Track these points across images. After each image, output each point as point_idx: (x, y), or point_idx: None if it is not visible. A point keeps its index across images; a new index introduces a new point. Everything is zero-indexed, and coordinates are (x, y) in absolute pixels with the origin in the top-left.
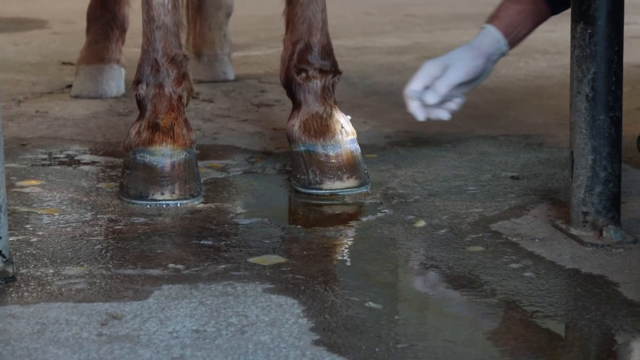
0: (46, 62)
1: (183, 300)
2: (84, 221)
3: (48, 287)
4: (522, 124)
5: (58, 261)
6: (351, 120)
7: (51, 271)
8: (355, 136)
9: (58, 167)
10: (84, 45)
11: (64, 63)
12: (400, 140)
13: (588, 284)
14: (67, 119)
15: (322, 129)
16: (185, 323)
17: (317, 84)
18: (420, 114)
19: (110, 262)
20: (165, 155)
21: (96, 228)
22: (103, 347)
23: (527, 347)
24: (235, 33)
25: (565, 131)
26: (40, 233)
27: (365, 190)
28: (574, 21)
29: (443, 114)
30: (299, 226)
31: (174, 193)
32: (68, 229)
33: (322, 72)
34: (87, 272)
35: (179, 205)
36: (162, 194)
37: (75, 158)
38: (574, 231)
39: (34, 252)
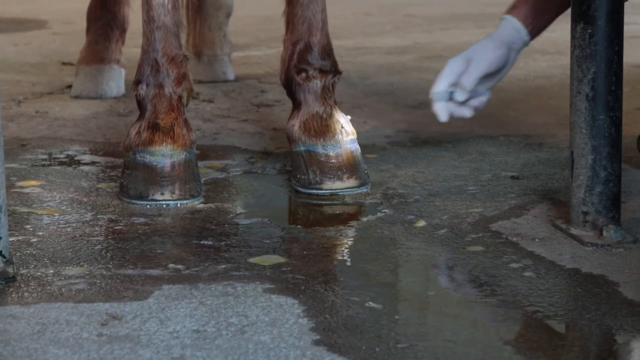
0: (46, 62)
1: (183, 301)
2: (84, 221)
3: (48, 288)
4: (522, 124)
5: (58, 261)
6: (351, 120)
7: (51, 271)
8: (355, 136)
9: (58, 168)
10: (84, 45)
11: (64, 63)
12: (400, 140)
13: (588, 283)
14: (67, 119)
15: (322, 129)
16: (186, 323)
17: (317, 84)
18: (443, 115)
19: (111, 263)
20: (165, 155)
21: (96, 228)
22: (103, 347)
23: (527, 347)
24: (235, 33)
25: (565, 131)
26: (41, 233)
27: (365, 190)
28: (574, 21)
29: (466, 112)
30: (299, 226)
31: (174, 193)
32: (68, 229)
33: (322, 72)
34: (87, 272)
35: (179, 205)
36: (162, 194)
37: (75, 158)
38: (574, 231)
39: (34, 252)
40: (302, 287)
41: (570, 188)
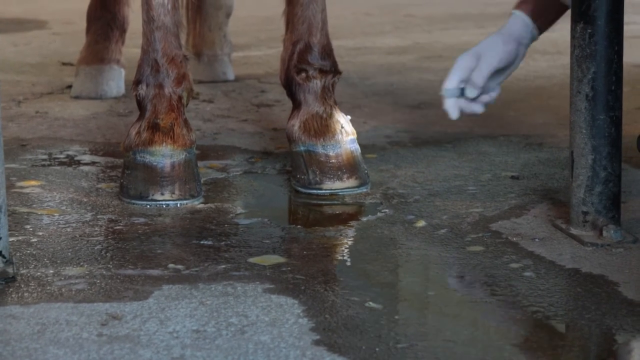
0: (46, 62)
1: (183, 301)
2: (84, 221)
3: (48, 288)
4: (522, 124)
5: (58, 261)
6: (351, 120)
7: (51, 271)
8: (355, 136)
9: (58, 168)
10: (84, 45)
11: (64, 64)
12: (400, 140)
13: (588, 283)
14: (67, 119)
15: (322, 129)
16: (186, 323)
17: (317, 84)
18: (453, 113)
19: (111, 263)
20: (165, 155)
21: (96, 228)
22: (103, 348)
23: (527, 347)
24: (235, 33)
25: (565, 131)
26: (40, 233)
27: (365, 190)
28: (574, 21)
29: (477, 108)
30: (299, 226)
31: (174, 193)
32: (68, 230)
33: (322, 72)
34: (87, 272)
35: (179, 205)
36: (162, 194)
37: (75, 158)
38: (574, 231)
39: (34, 252)
40: (302, 287)
41: (570, 188)
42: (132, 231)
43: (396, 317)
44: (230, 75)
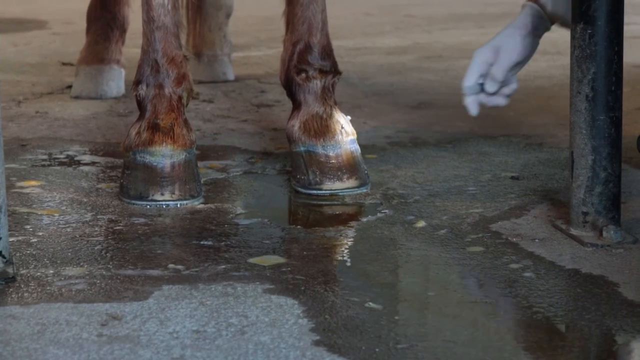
0: (46, 62)
1: (183, 301)
2: (84, 222)
3: (48, 288)
4: (522, 124)
5: (58, 262)
6: (351, 121)
7: (51, 272)
8: (355, 136)
9: (58, 168)
10: (84, 45)
11: (64, 64)
12: (400, 140)
13: (588, 284)
14: (67, 119)
15: (322, 129)
16: (186, 323)
17: (317, 84)
18: (473, 109)
19: (110, 263)
20: (165, 155)
21: (96, 229)
22: (103, 348)
23: (527, 347)
24: (235, 34)
25: (565, 131)
26: (40, 234)
27: (365, 190)
28: (574, 21)
29: (500, 100)
30: (299, 226)
31: (174, 193)
32: (68, 230)
33: (322, 72)
34: (87, 272)
35: (179, 205)
36: (162, 194)
37: (75, 159)
38: (574, 231)
39: (34, 252)
40: (302, 288)
41: (570, 188)
42: (132, 231)
43: (396, 317)
44: (230, 76)
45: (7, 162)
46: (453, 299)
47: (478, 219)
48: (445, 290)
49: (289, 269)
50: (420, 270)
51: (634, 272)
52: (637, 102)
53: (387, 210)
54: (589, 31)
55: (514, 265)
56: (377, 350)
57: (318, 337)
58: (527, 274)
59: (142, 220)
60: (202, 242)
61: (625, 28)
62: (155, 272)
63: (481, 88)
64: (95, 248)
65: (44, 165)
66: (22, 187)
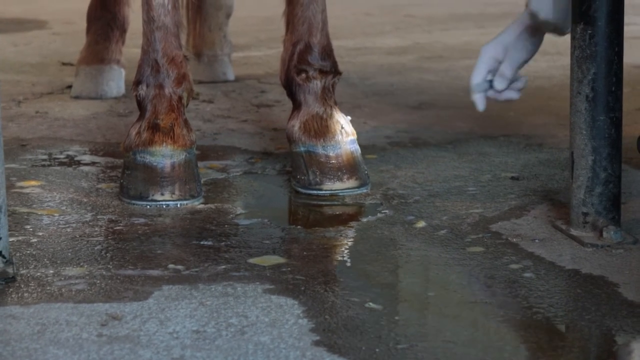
0: (46, 62)
1: (183, 301)
2: (84, 222)
3: (48, 288)
4: (522, 125)
5: (58, 262)
6: (351, 121)
7: (51, 272)
8: (355, 137)
9: (58, 168)
10: (84, 45)
11: (64, 64)
12: (401, 140)
13: (588, 284)
14: (67, 119)
15: (322, 129)
16: (186, 324)
17: (317, 84)
18: (480, 105)
19: (110, 263)
20: (165, 155)
21: (96, 229)
22: (103, 348)
23: (527, 347)
24: (235, 34)
25: (566, 132)
26: (40, 234)
27: (365, 190)
28: (574, 22)
29: (513, 95)
30: (299, 227)
31: (174, 194)
32: (68, 230)
33: (322, 72)
34: (87, 272)
35: (179, 205)
36: (162, 194)
37: (76, 159)
38: (574, 232)
39: (34, 252)
40: (302, 288)
41: (570, 189)
42: (132, 231)
43: (396, 317)
44: (231, 76)
45: (7, 162)
46: (453, 299)
47: (478, 219)
48: (445, 290)
49: (289, 269)
50: (420, 271)
51: (634, 273)
52: (638, 103)
53: (387, 211)
54: (589, 31)
55: (514, 266)
56: (377, 350)
57: (318, 338)
58: (527, 275)
59: (142, 220)
60: (202, 242)
61: (626, 28)
62: (155, 272)
63: (489, 85)
64: (95, 248)
65: (44, 165)
66: (22, 187)
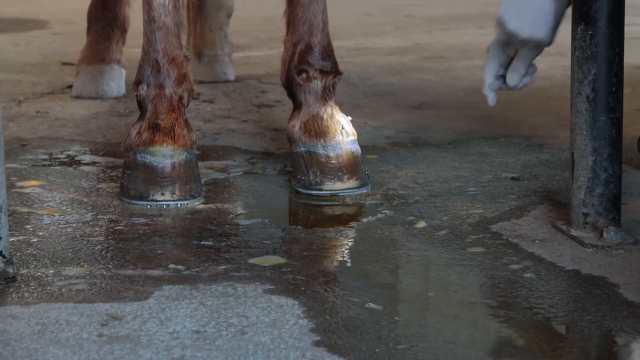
0: (47, 62)
1: (183, 301)
2: (85, 222)
3: (48, 288)
4: (522, 125)
5: (58, 262)
6: (352, 121)
7: (51, 272)
8: (355, 137)
9: (58, 168)
10: (85, 45)
11: (64, 63)
12: (401, 141)
13: (588, 285)
14: (67, 119)
15: (323, 129)
16: (186, 324)
17: (317, 84)
18: (491, 100)
19: (111, 263)
20: (165, 155)
21: (96, 228)
22: (103, 348)
23: (528, 348)
24: (236, 34)
25: (566, 132)
26: (41, 233)
27: (365, 191)
28: (575, 22)
29: (527, 80)
30: (299, 227)
31: (174, 194)
32: (68, 230)
33: (323, 72)
34: (87, 272)
35: (179, 205)
36: (163, 194)
37: (76, 158)
38: (574, 232)
39: (34, 252)
40: (303, 288)
41: (570, 189)
42: (132, 231)
43: (396, 318)
44: (231, 76)
45: (8, 162)
46: (453, 299)
47: (478, 220)
48: (445, 291)
49: (290, 269)
50: (420, 271)
51: (634, 273)
52: (638, 103)
53: (387, 211)
54: (590, 32)
55: (514, 266)
56: (377, 350)
57: (318, 338)
58: (527, 275)
59: (142, 220)
60: (202, 243)
61: (626, 29)
62: (155, 272)
63: (503, 81)
64: (96, 248)
65: (44, 165)
66: (22, 187)
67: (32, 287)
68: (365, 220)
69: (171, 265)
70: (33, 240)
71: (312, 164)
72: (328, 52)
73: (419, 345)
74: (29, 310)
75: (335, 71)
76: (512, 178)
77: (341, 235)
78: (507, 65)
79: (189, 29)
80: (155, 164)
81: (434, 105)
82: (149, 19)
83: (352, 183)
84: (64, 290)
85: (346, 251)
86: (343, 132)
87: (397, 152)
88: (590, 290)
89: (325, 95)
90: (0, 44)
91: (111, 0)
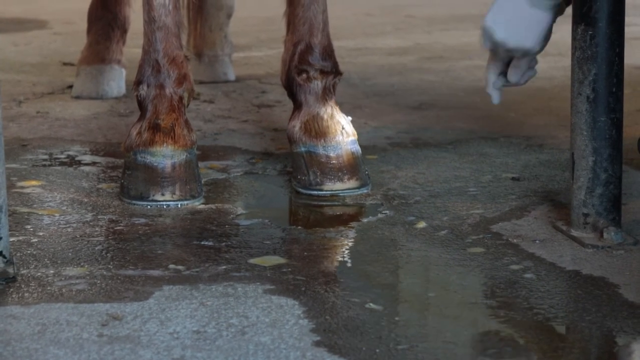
0: (47, 62)
1: (184, 301)
2: (85, 222)
3: (48, 288)
4: (522, 125)
5: (59, 262)
6: (352, 121)
7: (52, 272)
8: (355, 137)
9: (59, 168)
10: (85, 45)
11: (64, 63)
12: (401, 141)
13: (589, 285)
14: (67, 119)
15: (323, 130)
16: (186, 324)
17: (318, 84)
18: (495, 98)
19: (111, 263)
20: (166, 156)
21: (97, 229)
22: (104, 348)
23: (528, 348)
24: (236, 34)
25: (566, 132)
26: (41, 234)
27: (365, 191)
28: (575, 23)
29: (531, 73)
30: (299, 227)
31: (174, 194)
32: (69, 230)
33: (323, 73)
34: (87, 272)
35: (179, 206)
36: (163, 194)
37: (76, 159)
38: (574, 233)
39: (34, 252)
40: (303, 288)
41: (570, 190)
42: (132, 231)
43: (397, 318)
44: (231, 76)
45: (8, 162)
46: (453, 300)
47: (479, 220)
48: (445, 291)
49: (290, 269)
50: (420, 271)
51: (634, 274)
52: (638, 104)
53: (387, 211)
54: (590, 32)
55: (514, 267)
56: (377, 351)
57: (318, 338)
58: (527, 275)
59: (142, 220)
60: (202, 243)
61: (627, 29)
62: (155, 273)
63: (505, 79)
64: (96, 248)
65: (44, 165)
66: (22, 187)
67: (33, 287)
68: (365, 220)
69: (171, 266)
70: (33, 241)
71: (313, 164)
72: (328, 53)
73: (420, 346)
74: (29, 311)
75: (335, 71)
76: (513, 178)
77: (341, 236)
78: (508, 62)
79: (189, 29)
80: (155, 164)
81: (434, 106)
82: (150, 19)
83: (352, 183)
84: (64, 290)
85: (346, 251)
86: (343, 133)
87: (398, 153)
88: (590, 290)
89: (326, 95)
90: (1, 44)
91: (111, 0)
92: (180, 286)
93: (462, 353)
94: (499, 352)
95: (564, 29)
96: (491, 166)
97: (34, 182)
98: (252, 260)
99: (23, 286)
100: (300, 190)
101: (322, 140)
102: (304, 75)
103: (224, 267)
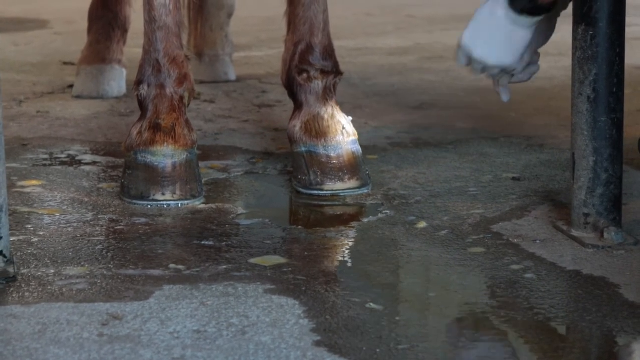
0: (47, 62)
1: (184, 301)
2: (85, 221)
3: (49, 287)
4: (523, 125)
5: (59, 261)
6: (352, 121)
7: (52, 271)
8: (356, 137)
9: (59, 168)
10: (86, 45)
11: (65, 63)
12: (402, 141)
13: (589, 285)
14: (68, 119)
15: (324, 129)
16: (186, 324)
17: (318, 84)
18: (505, 96)
19: (111, 263)
20: (166, 155)
21: (97, 228)
22: (104, 348)
23: (528, 348)
24: (237, 34)
25: (567, 133)
26: (41, 233)
27: (366, 191)
28: (576, 23)
29: (534, 69)
30: (300, 227)
31: (175, 193)
32: (69, 229)
33: (324, 72)
34: (88, 272)
35: (180, 205)
36: (163, 194)
37: (77, 158)
38: (575, 233)
39: (35, 252)
40: (303, 288)
41: (571, 190)
42: (133, 231)
43: (397, 318)
44: (232, 76)
45: (8, 162)
46: (454, 300)
47: (479, 220)
48: (446, 291)
49: (290, 269)
50: (421, 271)
51: (635, 274)
52: (639, 104)
53: (388, 211)
54: (591, 33)
55: (515, 267)
56: (378, 351)
57: (319, 338)
58: (528, 275)
59: (143, 220)
60: (203, 242)
61: (627, 29)
62: (156, 272)
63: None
64: (96, 248)
65: (45, 165)
66: (23, 187)
67: (33, 286)
68: (366, 220)
69: (172, 265)
70: (34, 240)
71: (313, 164)
72: (329, 52)
73: (420, 346)
74: (30, 310)
75: (336, 71)
76: (513, 178)
77: (342, 236)
78: None
79: (190, 29)
80: (156, 163)
81: (435, 106)
82: (150, 19)
83: (352, 183)
84: (64, 290)
85: (347, 251)
86: (344, 132)
87: (398, 152)
88: (591, 290)
89: (326, 95)
90: (1, 44)
91: (112, 0)
92: (180, 286)
93: (462, 353)
94: (499, 352)
95: (564, 29)
96: (492, 166)
97: (34, 182)
98: (252, 260)
99: (23, 286)
100: (301, 190)
101: (323, 140)
102: (305, 75)
103: (224, 266)
